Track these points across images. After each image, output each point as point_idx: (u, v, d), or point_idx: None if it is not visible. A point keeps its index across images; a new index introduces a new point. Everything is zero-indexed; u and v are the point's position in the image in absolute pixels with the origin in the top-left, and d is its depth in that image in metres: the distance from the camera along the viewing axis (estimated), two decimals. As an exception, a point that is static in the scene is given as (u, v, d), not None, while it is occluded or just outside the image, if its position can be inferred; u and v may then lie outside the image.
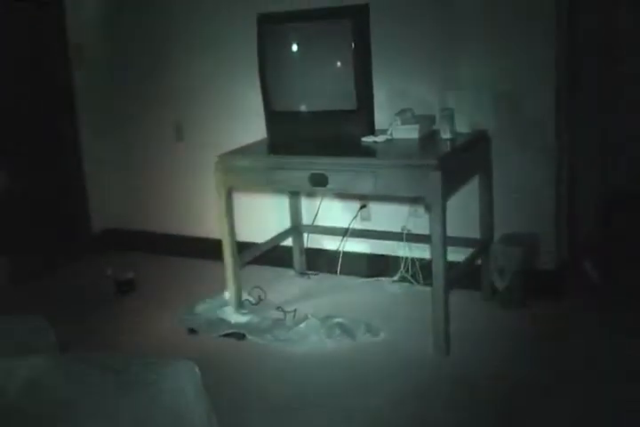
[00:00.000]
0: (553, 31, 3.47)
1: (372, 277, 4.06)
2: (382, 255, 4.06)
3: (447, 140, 3.42)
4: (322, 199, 4.13)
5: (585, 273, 3.84)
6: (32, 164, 4.44)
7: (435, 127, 3.60)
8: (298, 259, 4.21)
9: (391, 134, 3.50)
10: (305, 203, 4.18)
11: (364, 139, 3.51)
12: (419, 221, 3.85)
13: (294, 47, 3.63)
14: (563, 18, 3.53)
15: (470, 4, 3.59)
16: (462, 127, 3.51)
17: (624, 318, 3.41)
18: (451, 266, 3.26)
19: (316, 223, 4.17)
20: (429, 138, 3.52)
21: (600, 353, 3.14)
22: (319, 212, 4.15)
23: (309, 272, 4.22)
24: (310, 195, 4.12)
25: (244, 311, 3.69)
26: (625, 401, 2.77)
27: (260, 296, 3.90)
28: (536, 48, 3.50)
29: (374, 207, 4.04)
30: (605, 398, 2.81)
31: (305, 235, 4.20)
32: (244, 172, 3.54)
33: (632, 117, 4.70)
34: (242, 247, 3.75)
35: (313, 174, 3.31)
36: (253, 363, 3.30)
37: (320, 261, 4.21)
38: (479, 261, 3.69)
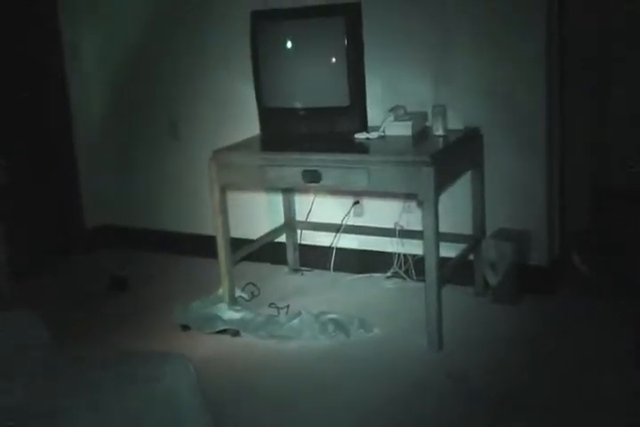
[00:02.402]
0: (544, 27, 3.48)
1: (366, 273, 4.07)
2: (375, 251, 4.07)
3: (440, 136, 3.44)
4: (315, 195, 4.14)
5: (574, 267, 3.87)
6: (25, 161, 4.43)
7: (427, 124, 3.62)
8: (291, 255, 4.22)
9: (384, 131, 3.51)
10: (298, 199, 4.19)
11: (356, 135, 3.52)
12: (411, 217, 3.87)
13: (287, 44, 3.64)
14: (553, 13, 3.54)
15: (464, 3, 3.59)
16: (455, 124, 3.53)
17: (612, 312, 3.42)
18: (443, 262, 3.27)
19: (309, 219, 4.18)
20: (422, 134, 3.53)
21: (592, 347, 3.17)
22: (312, 208, 4.15)
23: (303, 268, 4.23)
24: (304, 191, 4.13)
25: (237, 308, 3.69)
26: (619, 394, 2.80)
27: (253, 293, 3.91)
28: (527, 44, 3.51)
29: (367, 203, 4.05)
30: (600, 392, 2.83)
31: (298, 231, 4.21)
32: (237, 168, 3.54)
33: (621, 114, 4.72)
34: (235, 244, 3.76)
35: (306, 171, 3.32)
36: (247, 359, 3.31)
37: (313, 258, 4.21)
38: (471, 257, 3.71)
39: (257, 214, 4.32)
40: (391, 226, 3.93)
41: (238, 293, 3.82)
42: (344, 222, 4.07)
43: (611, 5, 4.47)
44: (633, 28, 4.53)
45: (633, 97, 4.76)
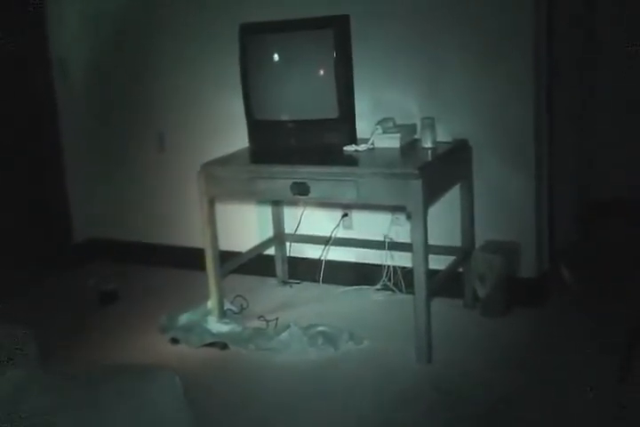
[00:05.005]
0: (531, 44, 3.50)
1: (355, 285, 4.07)
2: (365, 264, 4.06)
3: (428, 149, 3.45)
4: (304, 208, 4.13)
5: (562, 280, 3.86)
6: (13, 174, 4.41)
7: (416, 136, 3.63)
8: (280, 268, 4.21)
9: (373, 143, 3.52)
10: (287, 212, 4.18)
11: (345, 148, 3.53)
12: (401, 230, 3.87)
13: (276, 57, 3.65)
14: (542, 31, 3.57)
15: (453, 16, 3.61)
16: (443, 136, 3.54)
17: (600, 325, 3.42)
18: (432, 274, 3.27)
19: (298, 232, 4.17)
20: (411, 147, 3.54)
21: (580, 360, 3.16)
22: (301, 220, 4.15)
23: (292, 281, 4.22)
24: (292, 203, 4.13)
25: (226, 321, 3.68)
26: (607, 406, 2.79)
27: (242, 305, 3.89)
28: (515, 58, 3.53)
29: (356, 216, 4.05)
30: (588, 404, 2.82)
31: (287, 244, 4.21)
32: (225, 181, 3.54)
33: (608, 127, 4.74)
34: (224, 256, 3.75)
35: (295, 183, 3.32)
36: (236, 372, 3.29)
37: (302, 270, 4.21)
38: (461, 269, 3.71)
39: (246, 227, 4.31)
40: (380, 238, 3.93)
41: (227, 305, 3.80)
42: (333, 235, 4.07)
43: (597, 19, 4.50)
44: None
45: (622, 104, 4.79)
